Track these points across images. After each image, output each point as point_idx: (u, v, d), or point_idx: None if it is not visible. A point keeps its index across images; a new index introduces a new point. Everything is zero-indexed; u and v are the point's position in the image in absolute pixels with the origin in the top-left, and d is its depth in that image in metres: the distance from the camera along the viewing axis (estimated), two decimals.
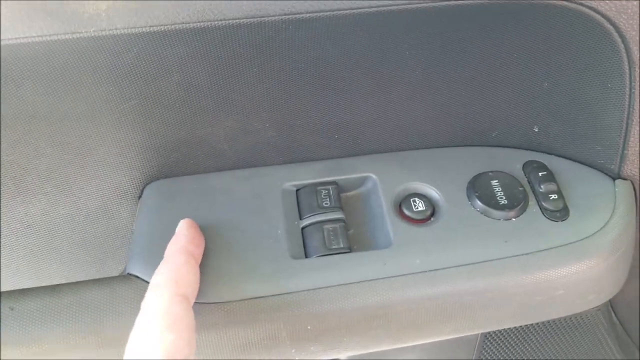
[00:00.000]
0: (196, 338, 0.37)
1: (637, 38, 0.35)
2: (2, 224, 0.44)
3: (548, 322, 0.58)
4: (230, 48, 0.35)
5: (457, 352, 0.62)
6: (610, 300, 0.55)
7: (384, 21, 0.35)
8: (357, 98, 0.41)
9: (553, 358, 0.60)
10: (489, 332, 0.59)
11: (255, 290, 0.38)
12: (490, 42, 0.38)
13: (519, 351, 0.60)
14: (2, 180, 0.41)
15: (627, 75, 0.37)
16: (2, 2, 0.31)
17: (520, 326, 0.58)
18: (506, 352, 0.60)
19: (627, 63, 0.37)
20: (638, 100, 0.38)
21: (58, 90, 0.36)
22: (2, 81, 0.35)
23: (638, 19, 0.35)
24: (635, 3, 0.34)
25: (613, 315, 0.57)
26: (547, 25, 0.36)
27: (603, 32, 0.35)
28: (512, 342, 0.59)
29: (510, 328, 0.58)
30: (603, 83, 0.39)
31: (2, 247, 0.45)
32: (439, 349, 0.62)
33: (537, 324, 0.58)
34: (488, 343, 0.60)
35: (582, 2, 0.34)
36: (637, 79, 0.37)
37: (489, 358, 0.61)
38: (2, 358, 0.36)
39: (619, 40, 0.36)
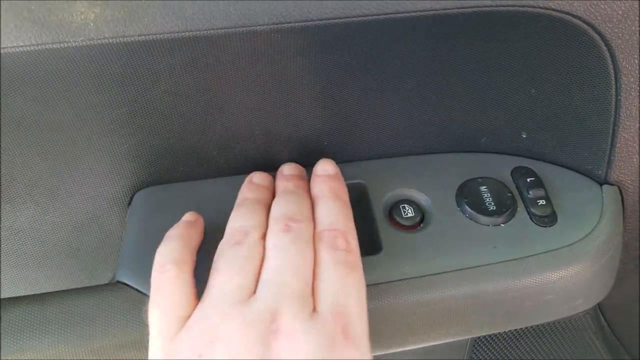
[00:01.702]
0: None
1: (623, 46, 0.36)
2: None
3: (537, 325, 0.58)
4: (219, 57, 0.35)
5: (448, 356, 0.62)
6: (598, 304, 0.56)
7: (373, 30, 0.35)
8: (346, 105, 0.41)
9: None
10: (478, 337, 0.59)
11: None
12: (478, 50, 0.39)
13: (509, 354, 0.60)
14: None
15: (613, 82, 0.38)
16: None
17: (510, 330, 0.58)
18: (496, 355, 0.61)
19: (612, 70, 0.37)
20: (624, 107, 0.39)
21: (46, 99, 0.36)
22: None
23: (623, 27, 0.35)
24: (620, 12, 0.34)
25: (602, 318, 0.57)
26: (533, 33, 0.37)
27: (589, 40, 0.36)
28: (502, 345, 0.60)
29: (499, 332, 0.59)
30: (590, 90, 0.39)
31: None
32: (429, 352, 0.62)
33: (527, 327, 0.58)
34: (478, 347, 0.60)
35: (568, 10, 0.34)
36: (623, 86, 0.38)
37: None
38: None
39: (604, 48, 0.36)
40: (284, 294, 0.31)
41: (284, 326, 0.30)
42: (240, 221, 0.37)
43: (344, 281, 0.33)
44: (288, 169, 0.42)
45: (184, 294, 0.33)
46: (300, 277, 0.32)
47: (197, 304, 0.33)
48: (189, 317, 0.32)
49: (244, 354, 0.29)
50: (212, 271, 0.34)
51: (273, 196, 0.40)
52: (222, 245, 0.35)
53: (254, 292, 0.32)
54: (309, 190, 0.40)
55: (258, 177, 0.42)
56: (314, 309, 0.31)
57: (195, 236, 0.38)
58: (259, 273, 0.33)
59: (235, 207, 0.39)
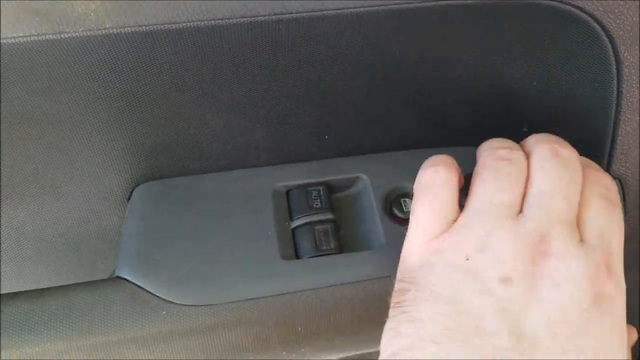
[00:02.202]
0: (186, 341, 0.37)
1: (625, 37, 0.36)
2: None
3: None
4: (220, 48, 0.35)
5: None
6: None
7: (374, 21, 0.35)
8: (348, 98, 0.41)
9: None
10: None
11: (246, 291, 0.37)
12: (478, 42, 0.39)
13: None
14: None
15: (615, 74, 0.38)
16: None
17: None
18: None
19: (614, 62, 0.37)
20: (626, 99, 0.39)
21: (46, 90, 0.36)
22: None
23: (626, 19, 0.35)
24: (622, 3, 0.34)
25: None
26: (534, 25, 0.37)
27: (590, 31, 0.36)
28: None
29: None
30: (591, 82, 0.39)
31: None
32: None
33: None
34: None
35: (569, 1, 0.34)
36: (625, 78, 0.38)
37: None
38: None
39: (606, 40, 0.36)
40: (554, 218, 0.31)
41: (554, 249, 0.30)
42: (500, 143, 0.36)
43: (609, 216, 0.33)
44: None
45: (453, 197, 0.34)
46: (569, 204, 0.32)
47: (460, 211, 0.34)
48: (454, 220, 0.33)
49: (513, 265, 0.30)
50: (476, 181, 0.34)
51: None
52: (486, 159, 0.35)
53: (520, 211, 0.32)
54: None
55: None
56: (582, 240, 0.32)
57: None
58: (524, 193, 0.33)
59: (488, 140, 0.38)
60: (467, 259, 0.31)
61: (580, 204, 0.33)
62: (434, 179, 0.35)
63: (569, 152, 0.34)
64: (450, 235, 0.32)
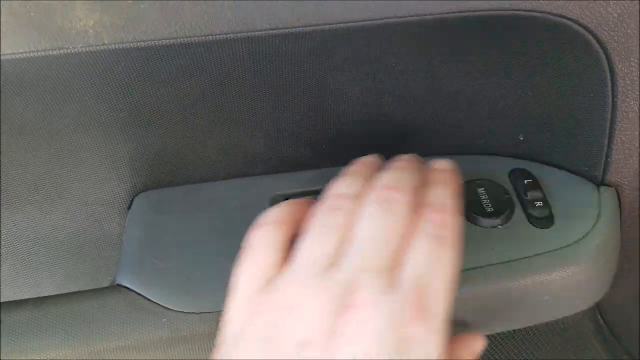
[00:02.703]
0: (185, 347, 0.38)
1: (618, 49, 0.36)
2: None
3: (535, 326, 0.58)
4: (218, 62, 0.36)
5: None
6: (596, 304, 0.56)
7: (371, 35, 0.36)
8: (345, 109, 0.41)
9: None
10: None
11: None
12: (475, 53, 0.39)
13: (506, 355, 0.60)
14: None
15: (610, 85, 0.38)
16: None
17: (507, 330, 0.59)
18: (494, 356, 0.61)
19: (609, 73, 0.37)
20: (621, 109, 0.39)
21: (46, 104, 0.36)
22: None
23: (619, 30, 0.35)
24: (616, 15, 0.34)
25: (600, 318, 0.57)
26: (530, 37, 0.37)
27: (585, 43, 0.36)
28: (499, 346, 0.60)
29: (497, 333, 0.59)
30: (586, 93, 0.39)
31: None
32: None
33: (525, 328, 0.58)
34: None
35: (563, 14, 0.34)
36: (619, 89, 0.38)
37: None
38: None
39: (600, 51, 0.36)
40: (365, 266, 0.30)
41: (359, 299, 0.29)
42: (341, 188, 0.35)
43: (431, 255, 0.31)
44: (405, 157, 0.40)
45: (275, 254, 0.33)
46: (385, 249, 0.31)
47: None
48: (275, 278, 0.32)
49: (312, 326, 0.28)
50: (305, 234, 0.33)
51: None
52: (320, 208, 0.34)
53: (337, 260, 0.31)
54: (421, 172, 0.38)
55: (368, 158, 0.40)
56: (392, 284, 0.30)
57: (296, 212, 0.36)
58: (348, 240, 0.32)
59: (339, 177, 0.37)
60: (275, 326, 0.29)
61: (406, 247, 0.31)
62: (260, 239, 0.33)
63: (399, 195, 0.33)
64: (264, 296, 0.31)
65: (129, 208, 0.44)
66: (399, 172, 0.36)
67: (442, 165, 0.39)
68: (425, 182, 0.36)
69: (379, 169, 0.38)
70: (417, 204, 0.34)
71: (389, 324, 0.28)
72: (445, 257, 0.32)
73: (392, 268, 0.30)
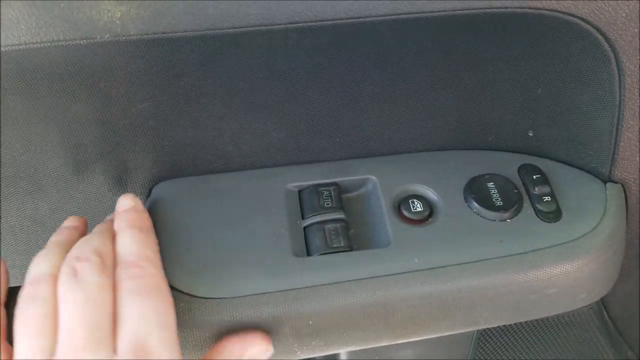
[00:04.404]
0: (202, 332, 0.38)
1: (626, 47, 0.37)
2: (12, 222, 0.45)
3: (541, 320, 0.59)
4: (238, 54, 0.37)
5: (453, 351, 0.63)
6: (602, 300, 0.56)
7: (384, 30, 0.37)
8: (359, 102, 0.42)
9: (546, 356, 0.61)
10: (484, 331, 0.60)
11: (259, 286, 0.39)
12: (485, 50, 0.40)
13: (513, 349, 0.61)
14: (15, 180, 0.42)
15: (617, 83, 0.39)
16: (22, 8, 0.32)
17: (515, 325, 0.59)
18: (501, 351, 0.61)
19: (616, 71, 0.38)
20: (628, 106, 0.40)
21: (72, 93, 0.37)
22: (18, 84, 0.36)
23: (627, 29, 0.36)
24: (624, 14, 0.35)
25: (605, 314, 0.58)
26: (539, 34, 0.38)
27: (593, 41, 0.37)
28: (506, 341, 0.60)
29: (505, 327, 0.59)
30: (594, 90, 0.40)
31: (10, 245, 0.46)
32: (435, 348, 0.63)
33: (531, 322, 0.59)
34: (483, 341, 0.61)
35: (573, 12, 0.35)
36: (627, 86, 0.39)
37: (484, 357, 0.63)
38: None
39: (609, 49, 0.37)
40: (78, 347, 0.31)
41: None
42: (36, 268, 0.35)
43: (140, 311, 0.32)
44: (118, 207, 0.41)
45: None
46: (92, 325, 0.31)
47: None
48: None
49: None
50: (14, 335, 0.32)
51: None
52: (20, 300, 0.34)
53: (54, 350, 0.31)
54: (107, 226, 0.39)
55: (69, 220, 0.41)
56: (114, 351, 0.31)
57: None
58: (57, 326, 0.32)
59: (40, 252, 0.37)
60: None
61: (117, 312, 0.32)
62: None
63: (86, 265, 0.34)
64: None
65: (147, 196, 0.45)
66: (89, 237, 0.37)
67: (121, 206, 0.40)
68: (115, 233, 0.38)
69: (78, 229, 0.40)
70: (110, 262, 0.35)
71: None
72: (153, 304, 0.33)
73: (107, 336, 0.31)
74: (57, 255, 0.36)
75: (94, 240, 0.36)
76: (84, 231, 0.41)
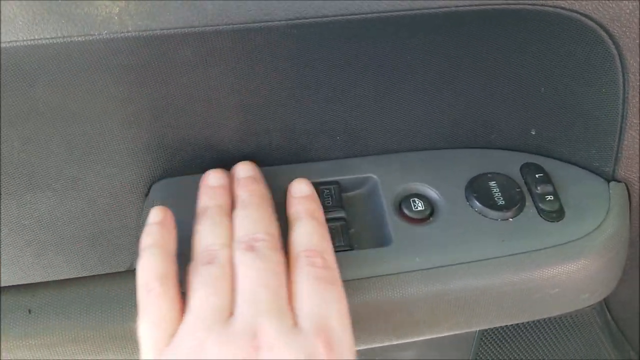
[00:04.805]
0: None
1: (630, 45, 0.36)
2: (12, 219, 0.45)
3: (544, 320, 0.59)
4: (238, 51, 0.36)
5: (455, 351, 0.63)
6: (604, 300, 0.56)
7: (385, 26, 0.36)
8: (359, 101, 0.42)
9: (548, 356, 0.61)
10: (486, 331, 0.60)
11: None
12: (488, 47, 0.39)
13: (515, 349, 0.61)
14: (13, 177, 0.42)
15: (621, 81, 0.38)
16: (20, 4, 0.32)
17: (517, 325, 0.59)
18: (503, 351, 0.61)
19: (620, 69, 0.38)
20: (632, 105, 0.39)
21: (70, 90, 0.37)
22: (16, 80, 0.36)
23: (631, 26, 0.36)
24: (629, 11, 0.35)
25: (608, 314, 0.58)
26: (542, 32, 0.37)
27: (597, 39, 0.36)
28: (508, 341, 0.60)
29: (507, 327, 0.59)
30: (598, 88, 0.40)
31: (11, 242, 0.46)
32: (437, 348, 0.63)
33: (534, 322, 0.59)
34: (485, 341, 0.61)
35: (576, 9, 0.35)
36: (631, 84, 0.38)
37: (485, 357, 0.62)
38: (9, 347, 0.37)
39: (612, 47, 0.37)
40: (260, 310, 0.32)
41: (266, 341, 0.31)
42: (207, 238, 0.37)
43: (323, 295, 0.33)
44: (242, 171, 0.42)
45: (170, 310, 0.34)
46: (273, 292, 0.33)
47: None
48: (176, 332, 0.33)
49: None
50: (189, 290, 0.35)
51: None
52: (195, 263, 0.36)
53: (232, 310, 0.33)
54: (267, 196, 0.41)
55: (214, 179, 0.42)
56: (295, 324, 0.32)
57: (170, 238, 0.38)
58: (233, 290, 0.34)
59: (199, 217, 0.39)
60: None
61: (292, 291, 0.34)
62: (149, 298, 0.34)
63: (261, 244, 0.35)
64: (170, 351, 0.32)
65: (146, 195, 0.45)
66: (251, 213, 0.38)
67: (300, 191, 0.41)
68: (290, 217, 0.39)
69: (226, 188, 0.41)
70: (292, 246, 0.37)
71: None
72: (335, 294, 0.34)
73: (287, 309, 0.33)
74: (224, 226, 0.38)
75: (260, 218, 0.38)
76: (231, 190, 0.41)
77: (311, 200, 0.40)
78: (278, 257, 0.35)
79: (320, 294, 0.33)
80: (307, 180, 0.42)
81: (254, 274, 0.34)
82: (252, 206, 0.39)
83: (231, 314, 0.33)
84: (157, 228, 0.38)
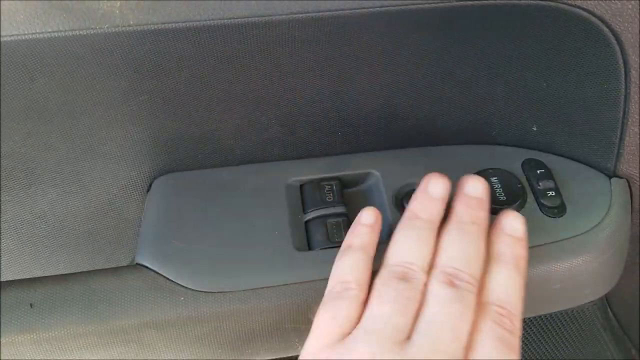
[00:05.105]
0: (203, 326, 0.38)
1: (632, 40, 0.36)
2: (13, 215, 0.45)
3: (545, 316, 0.59)
4: (239, 46, 0.36)
5: None
6: (606, 296, 0.56)
7: (387, 21, 0.36)
8: (360, 96, 0.42)
9: (549, 352, 0.61)
10: None
11: (260, 280, 0.39)
12: (489, 43, 0.39)
13: None
14: (14, 172, 0.42)
15: (623, 76, 0.38)
16: None
17: None
18: None
19: (622, 65, 0.37)
20: (633, 101, 0.39)
21: (71, 84, 0.37)
22: (17, 75, 0.36)
23: (633, 22, 0.36)
24: (630, 6, 0.35)
25: (609, 310, 0.58)
26: (544, 27, 0.37)
27: (599, 34, 0.36)
28: None
29: None
30: (600, 84, 0.40)
31: (12, 237, 0.46)
32: None
33: (535, 318, 0.59)
34: None
35: (579, 4, 0.35)
36: (632, 80, 0.38)
37: None
38: (11, 342, 0.37)
39: (614, 42, 0.36)
40: (438, 350, 0.31)
41: None
42: (408, 253, 0.36)
43: (500, 358, 0.32)
44: (474, 189, 0.39)
45: (356, 312, 0.34)
46: (457, 338, 0.32)
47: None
48: (349, 333, 0.33)
49: None
50: (374, 297, 0.35)
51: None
52: (388, 273, 0.35)
53: (409, 335, 0.32)
54: (487, 230, 0.38)
55: (436, 186, 0.39)
56: None
57: (374, 243, 0.38)
58: (417, 314, 0.33)
59: (405, 222, 0.38)
60: None
61: (472, 341, 0.33)
62: (344, 296, 0.35)
63: (464, 285, 0.34)
64: (340, 349, 0.32)
65: (148, 191, 0.45)
66: (466, 245, 0.36)
67: (512, 229, 0.38)
68: (493, 253, 0.37)
69: (443, 201, 0.39)
70: (486, 290, 0.35)
71: None
72: (513, 357, 0.32)
73: (461, 356, 0.32)
74: (429, 243, 0.36)
75: (475, 257, 0.36)
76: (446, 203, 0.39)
77: (522, 245, 0.37)
78: (473, 304, 0.34)
79: (497, 356, 0.32)
80: (522, 218, 0.38)
81: (445, 312, 0.33)
82: (470, 236, 0.37)
83: (408, 338, 0.32)
84: (367, 231, 0.38)
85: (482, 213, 0.38)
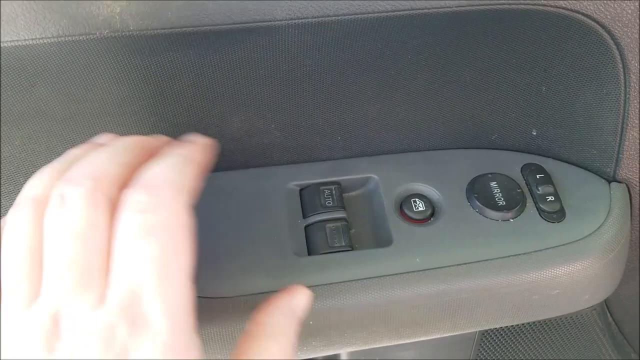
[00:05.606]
0: (200, 333, 0.38)
1: (632, 45, 0.36)
2: None
3: (545, 321, 0.59)
4: (239, 51, 0.36)
5: (455, 352, 0.63)
6: (605, 301, 0.56)
7: (387, 26, 0.36)
8: (360, 101, 0.42)
9: (549, 357, 0.61)
10: (486, 332, 0.60)
11: (260, 286, 0.39)
12: (489, 47, 0.39)
13: (516, 350, 0.61)
14: (14, 177, 0.42)
15: (622, 81, 0.38)
16: (21, 3, 0.32)
17: (517, 326, 0.59)
18: (503, 352, 0.61)
19: (622, 69, 0.38)
20: (633, 105, 0.39)
21: (71, 89, 0.37)
22: (17, 80, 0.36)
23: (633, 26, 0.36)
24: (630, 11, 0.35)
25: (608, 315, 0.58)
26: (544, 32, 0.37)
27: (598, 39, 0.36)
28: (509, 342, 0.60)
29: (507, 328, 0.59)
30: (599, 88, 0.40)
31: None
32: (437, 349, 0.63)
33: (534, 323, 0.59)
34: (485, 342, 0.61)
35: (578, 9, 0.35)
36: (632, 85, 0.38)
37: (486, 357, 0.62)
38: None
39: (614, 47, 0.37)
40: (62, 289, 0.25)
41: (65, 328, 0.25)
42: (31, 187, 0.29)
43: (137, 253, 0.26)
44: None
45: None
46: (79, 265, 0.25)
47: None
48: None
49: None
50: None
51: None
52: (9, 217, 0.28)
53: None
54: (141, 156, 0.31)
55: (99, 137, 0.33)
56: (102, 299, 0.25)
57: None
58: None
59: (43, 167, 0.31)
60: None
61: (110, 248, 0.26)
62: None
63: (72, 191, 0.27)
64: None
65: None
66: (93, 153, 0.29)
67: (193, 139, 0.32)
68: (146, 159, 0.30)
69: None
70: (111, 188, 0.27)
71: (104, 346, 0.24)
72: (155, 247, 0.26)
73: (98, 280, 0.26)
74: (52, 174, 0.29)
75: (101, 155, 0.29)
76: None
77: (198, 146, 0.32)
78: (95, 212, 0.26)
79: (133, 252, 0.25)
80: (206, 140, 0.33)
81: (59, 241, 0.26)
82: (102, 149, 0.30)
83: (38, 293, 0.26)
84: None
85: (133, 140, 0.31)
